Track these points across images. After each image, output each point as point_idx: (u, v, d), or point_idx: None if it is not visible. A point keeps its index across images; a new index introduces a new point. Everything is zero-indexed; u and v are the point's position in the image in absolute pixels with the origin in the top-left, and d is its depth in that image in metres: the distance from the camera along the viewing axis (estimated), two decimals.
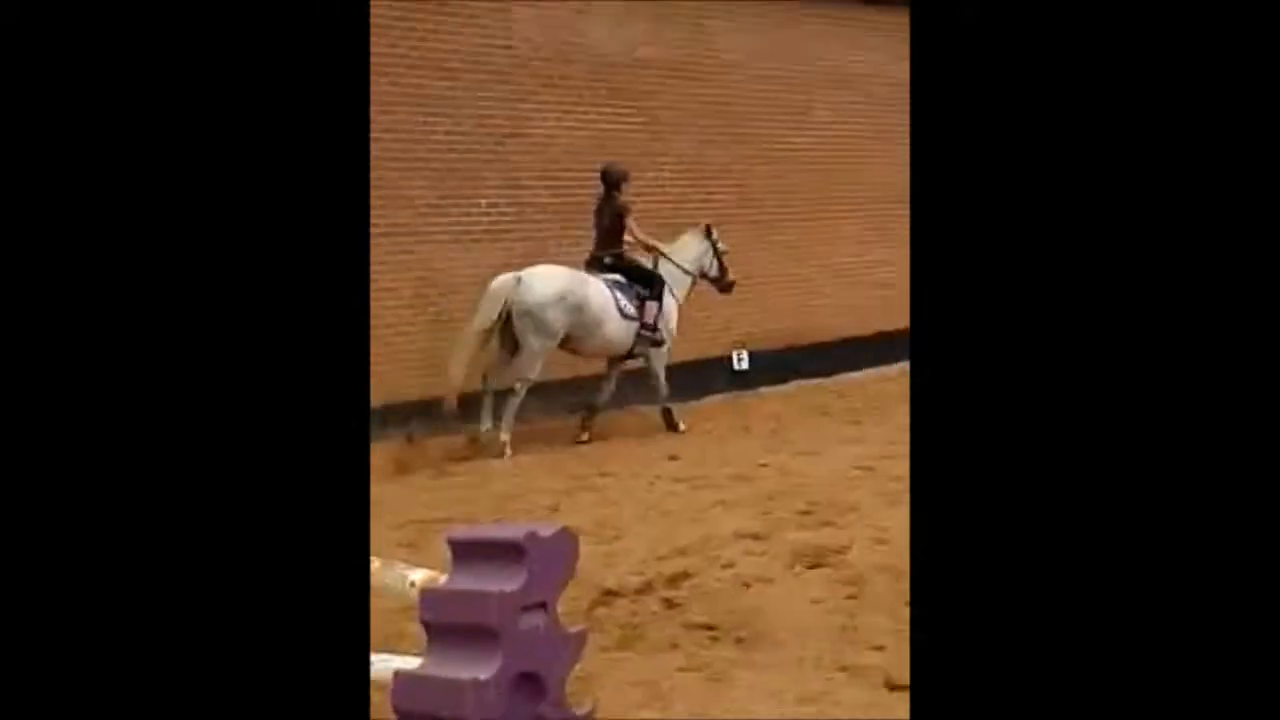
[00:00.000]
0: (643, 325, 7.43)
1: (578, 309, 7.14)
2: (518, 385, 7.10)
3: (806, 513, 4.84)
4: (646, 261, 7.72)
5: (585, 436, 7.47)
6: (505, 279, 7.09)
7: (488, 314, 7.00)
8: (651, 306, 7.47)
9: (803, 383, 9.16)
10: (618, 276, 7.50)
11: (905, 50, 9.50)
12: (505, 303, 7.02)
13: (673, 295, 7.70)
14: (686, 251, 7.90)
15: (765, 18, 9.28)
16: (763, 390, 8.66)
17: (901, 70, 10.09)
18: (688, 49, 8.88)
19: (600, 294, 7.27)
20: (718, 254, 7.99)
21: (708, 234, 8.01)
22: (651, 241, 7.73)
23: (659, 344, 7.60)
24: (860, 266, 8.46)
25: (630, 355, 7.62)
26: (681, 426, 7.65)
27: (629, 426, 7.71)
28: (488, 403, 7.10)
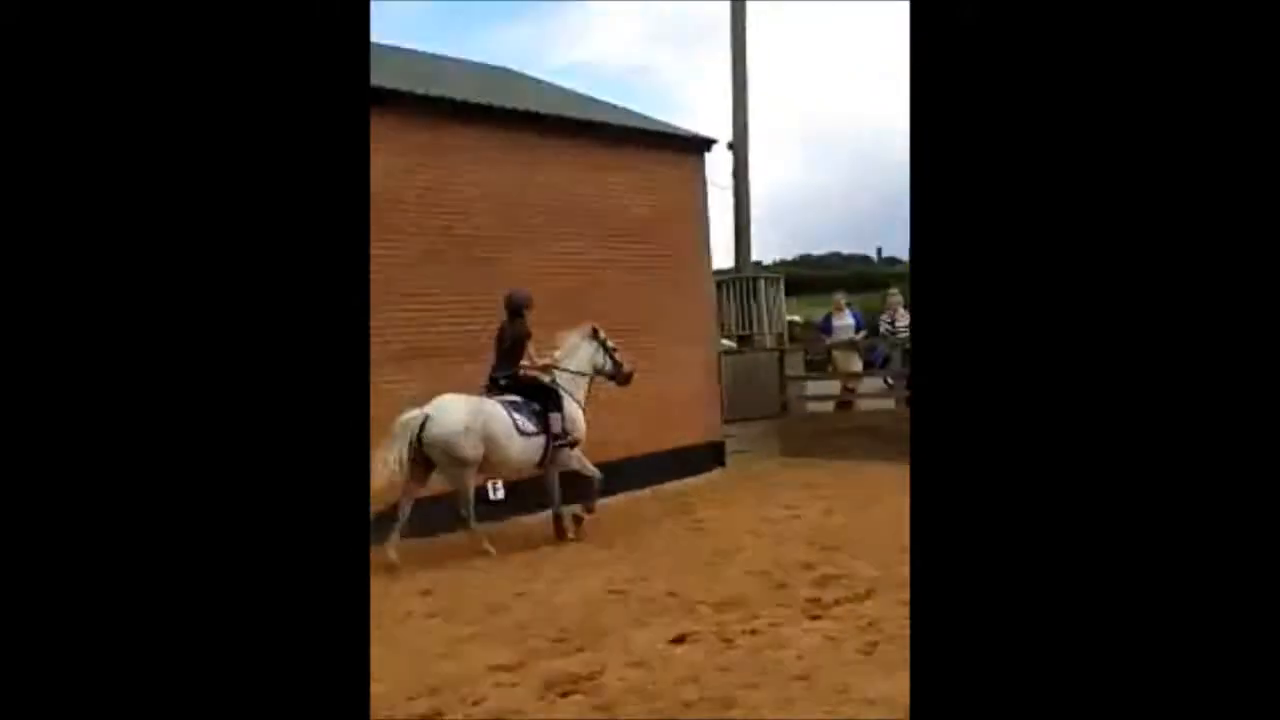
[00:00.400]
0: (550, 436, 7.88)
1: (483, 435, 7.56)
2: (463, 511, 7.58)
3: (560, 640, 4.81)
4: (544, 376, 8.13)
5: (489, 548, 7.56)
6: (413, 414, 7.49)
7: (398, 448, 7.35)
8: (554, 418, 7.93)
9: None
10: (514, 397, 7.89)
11: (642, 183, 9.74)
12: (411, 434, 7.41)
13: (574, 400, 8.16)
14: (578, 356, 8.39)
15: (509, 155, 9.55)
16: (519, 519, 8.61)
17: (637, 203, 10.65)
18: (434, 183, 8.99)
19: (500, 418, 7.67)
20: (607, 350, 8.49)
21: (594, 334, 8.49)
22: (545, 361, 8.22)
23: (572, 445, 8.05)
24: (605, 391, 8.64)
25: (544, 464, 8.01)
26: (570, 534, 7.91)
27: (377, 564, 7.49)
28: (401, 518, 7.41)
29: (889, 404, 12.21)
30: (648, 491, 9.71)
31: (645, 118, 11.78)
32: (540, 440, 7.87)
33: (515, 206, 9.58)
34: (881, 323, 12.98)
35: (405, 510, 7.44)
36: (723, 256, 13.89)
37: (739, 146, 14.44)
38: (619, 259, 10.39)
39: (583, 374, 8.35)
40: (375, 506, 6.35)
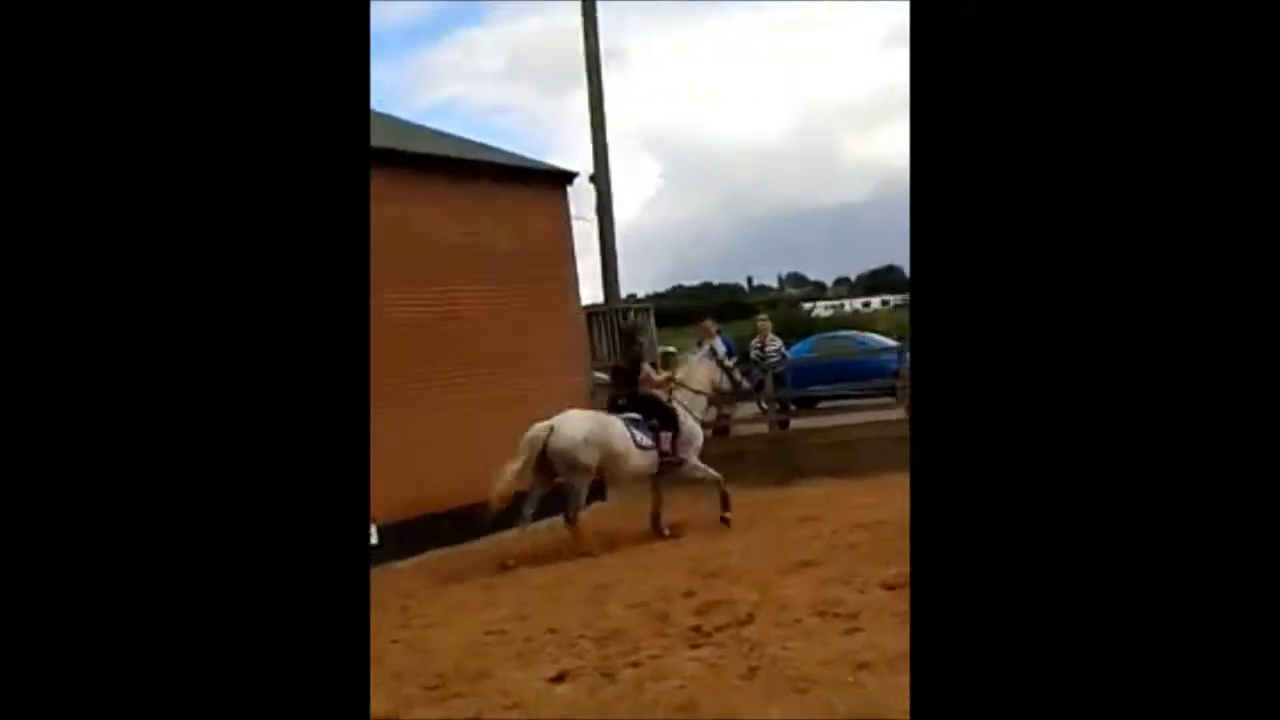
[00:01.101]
0: (661, 452, 8.85)
1: (602, 447, 8.58)
2: (569, 513, 8.60)
3: (435, 687, 4.67)
4: (662, 395, 9.13)
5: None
6: (540, 426, 8.54)
7: (524, 457, 8.40)
8: (666, 436, 8.87)
9: (435, 552, 8.97)
10: (634, 414, 8.93)
11: (506, 218, 9.66)
12: (538, 446, 8.45)
13: (693, 417, 9.13)
14: (696, 375, 9.42)
15: (374, 194, 9.35)
16: (394, 564, 8.38)
17: (501, 238, 10.56)
18: None
19: (620, 433, 8.70)
20: (725, 369, 9.52)
21: (712, 354, 9.65)
22: (664, 376, 9.44)
23: (679, 464, 8.96)
24: (484, 430, 8.51)
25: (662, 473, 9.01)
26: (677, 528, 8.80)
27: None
28: (527, 511, 8.56)
29: (763, 428, 12.34)
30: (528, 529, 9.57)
31: (507, 154, 11.73)
32: (654, 454, 8.85)
33: (378, 246, 9.39)
34: (752, 348, 13.11)
35: (532, 504, 8.56)
36: (595, 289, 13.94)
37: (600, 179, 14.49)
38: (484, 294, 10.28)
39: (702, 392, 9.31)
40: (497, 506, 8.23)
